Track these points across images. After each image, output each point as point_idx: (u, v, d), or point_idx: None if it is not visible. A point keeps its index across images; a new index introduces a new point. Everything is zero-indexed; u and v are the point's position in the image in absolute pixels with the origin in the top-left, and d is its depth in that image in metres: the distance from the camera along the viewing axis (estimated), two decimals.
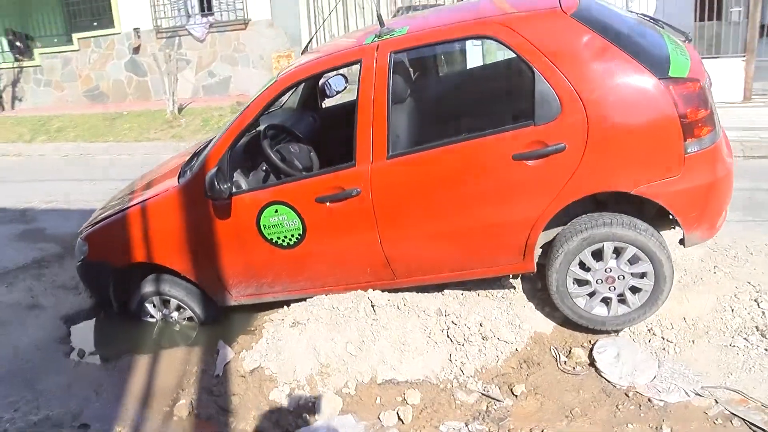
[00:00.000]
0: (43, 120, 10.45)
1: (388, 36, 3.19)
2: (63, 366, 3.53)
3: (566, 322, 3.32)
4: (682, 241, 3.13)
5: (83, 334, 4.01)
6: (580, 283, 3.12)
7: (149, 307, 3.88)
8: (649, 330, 3.32)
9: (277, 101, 3.43)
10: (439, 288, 3.46)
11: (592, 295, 3.14)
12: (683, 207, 2.92)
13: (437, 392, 2.89)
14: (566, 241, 3.05)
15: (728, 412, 2.74)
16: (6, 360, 3.58)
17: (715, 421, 2.72)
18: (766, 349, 3.14)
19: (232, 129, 3.39)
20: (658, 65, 2.82)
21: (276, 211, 3.31)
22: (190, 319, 3.87)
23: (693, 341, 3.24)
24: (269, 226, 3.35)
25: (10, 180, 8.03)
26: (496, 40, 2.97)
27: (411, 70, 3.57)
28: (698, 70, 2.97)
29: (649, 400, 2.86)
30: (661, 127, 2.80)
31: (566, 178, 2.91)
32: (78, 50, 11.74)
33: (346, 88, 4.89)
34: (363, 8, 10.64)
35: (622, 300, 3.14)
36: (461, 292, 3.46)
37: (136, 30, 11.38)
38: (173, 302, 3.83)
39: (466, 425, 2.69)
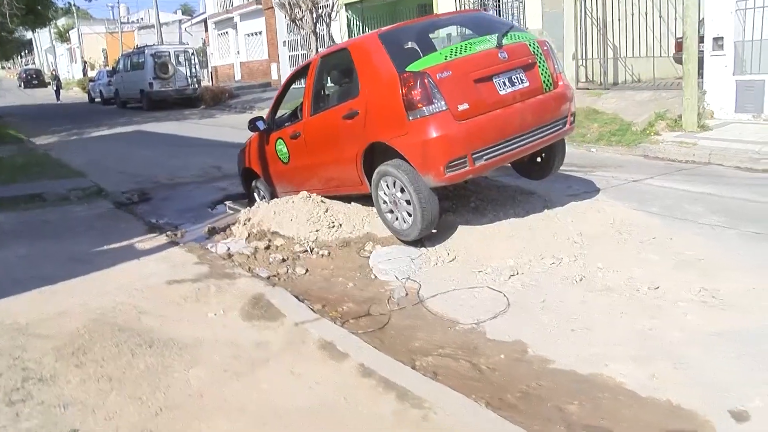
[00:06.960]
0: None
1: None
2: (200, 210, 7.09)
3: None
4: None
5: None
6: (385, 203, 4.81)
7: (256, 195, 7.04)
8: (438, 253, 4.66)
9: (290, 86, 6.09)
10: (354, 199, 5.47)
11: (391, 213, 4.78)
12: (411, 155, 4.34)
13: (290, 243, 5.10)
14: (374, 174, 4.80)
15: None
16: (172, 204, 7.27)
17: (382, 289, 4.21)
18: (487, 274, 4.24)
19: (273, 100, 6.22)
20: (402, 63, 4.32)
21: (279, 142, 5.98)
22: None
23: (452, 263, 4.50)
24: (278, 151, 6.02)
25: None
26: (348, 52, 4.94)
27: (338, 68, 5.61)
28: (443, 67, 4.25)
29: (372, 274, 4.48)
30: (394, 102, 4.31)
31: (362, 131, 4.68)
32: None
33: None
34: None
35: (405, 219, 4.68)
36: (360, 204, 5.38)
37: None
38: (261, 192, 6.92)
39: (277, 253, 4.93)
